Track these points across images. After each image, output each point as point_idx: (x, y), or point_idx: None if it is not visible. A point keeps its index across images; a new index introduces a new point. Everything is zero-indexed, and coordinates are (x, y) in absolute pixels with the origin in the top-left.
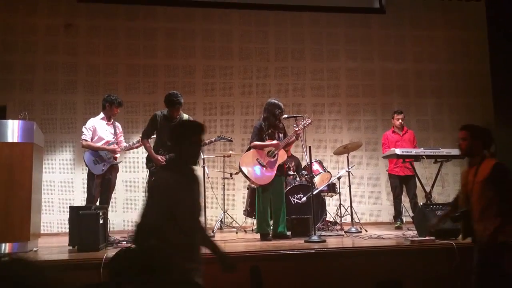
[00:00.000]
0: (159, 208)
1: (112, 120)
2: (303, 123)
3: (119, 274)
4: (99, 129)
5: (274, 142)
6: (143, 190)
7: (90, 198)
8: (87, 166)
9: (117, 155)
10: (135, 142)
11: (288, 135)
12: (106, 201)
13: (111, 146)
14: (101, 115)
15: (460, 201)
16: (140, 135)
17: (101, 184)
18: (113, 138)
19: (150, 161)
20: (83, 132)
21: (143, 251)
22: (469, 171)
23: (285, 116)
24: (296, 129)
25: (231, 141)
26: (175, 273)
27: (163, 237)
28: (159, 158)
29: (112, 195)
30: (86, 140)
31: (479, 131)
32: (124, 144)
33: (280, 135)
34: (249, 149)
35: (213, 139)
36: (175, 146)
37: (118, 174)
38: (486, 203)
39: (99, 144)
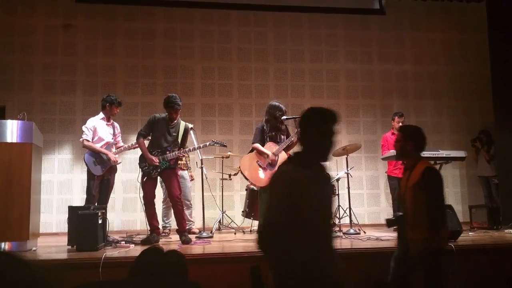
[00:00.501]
0: (279, 206)
1: (111, 121)
2: None
3: (140, 271)
4: (99, 129)
5: (270, 153)
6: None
7: (90, 199)
8: (87, 166)
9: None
10: (134, 143)
11: (289, 137)
12: (104, 201)
13: (111, 154)
14: (101, 115)
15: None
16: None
17: (100, 185)
18: (112, 138)
19: (143, 161)
20: (83, 132)
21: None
22: (404, 174)
23: (285, 117)
24: (296, 130)
25: (224, 146)
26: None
27: (285, 241)
28: (153, 158)
29: (111, 195)
30: (87, 140)
31: (411, 132)
32: (122, 144)
33: (283, 137)
34: (251, 150)
35: (207, 143)
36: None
37: (116, 175)
38: (417, 209)
39: (99, 145)
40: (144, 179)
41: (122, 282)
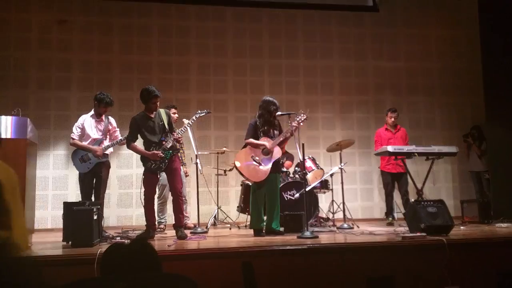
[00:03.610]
0: None
1: (103, 117)
2: (298, 118)
3: (111, 270)
4: (87, 126)
5: (267, 142)
6: (137, 187)
7: (83, 197)
8: (74, 165)
9: (108, 152)
10: (122, 139)
11: (283, 132)
12: (98, 197)
13: (94, 148)
14: (92, 111)
15: None
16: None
17: (95, 181)
18: (101, 135)
19: (146, 160)
20: (72, 130)
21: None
22: None
23: (279, 113)
24: (291, 125)
25: (209, 112)
26: None
27: None
28: (155, 152)
29: (107, 191)
30: (73, 139)
31: None
32: (120, 138)
33: (275, 132)
34: (245, 146)
35: (193, 118)
36: None
37: (112, 170)
38: None
39: (85, 143)
40: (147, 176)
41: (114, 277)
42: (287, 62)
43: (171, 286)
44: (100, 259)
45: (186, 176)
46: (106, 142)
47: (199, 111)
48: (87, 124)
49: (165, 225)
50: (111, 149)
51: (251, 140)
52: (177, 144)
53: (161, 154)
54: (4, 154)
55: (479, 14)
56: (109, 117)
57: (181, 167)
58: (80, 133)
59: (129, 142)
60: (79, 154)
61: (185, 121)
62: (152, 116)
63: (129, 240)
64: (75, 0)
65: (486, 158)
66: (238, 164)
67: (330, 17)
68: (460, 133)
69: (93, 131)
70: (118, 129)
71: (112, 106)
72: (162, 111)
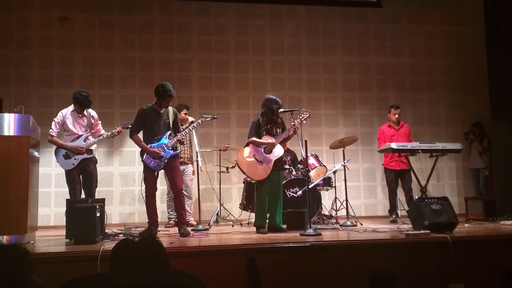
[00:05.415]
0: None
1: (84, 111)
2: (300, 117)
3: (120, 265)
4: (69, 122)
5: (270, 141)
6: (140, 184)
7: (71, 195)
8: (57, 162)
9: (93, 148)
10: (114, 132)
11: (286, 130)
12: (90, 194)
13: (75, 145)
14: (72, 107)
15: None
16: (121, 126)
17: (82, 178)
18: (85, 131)
19: (147, 157)
20: (51, 126)
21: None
22: None
23: (282, 110)
24: (293, 123)
25: (215, 118)
26: None
27: None
28: (156, 151)
29: (109, 188)
30: (53, 136)
31: None
32: (102, 132)
33: (278, 130)
34: (247, 144)
35: (199, 121)
36: None
37: (114, 168)
38: None
39: (71, 138)
40: (147, 173)
41: (118, 273)
42: (290, 59)
43: (176, 283)
44: (106, 255)
45: (193, 174)
46: (91, 138)
47: (205, 116)
48: (69, 120)
49: (174, 221)
50: (95, 145)
51: (254, 139)
52: (179, 145)
53: (161, 153)
54: (7, 152)
55: (484, 9)
56: (90, 110)
57: (190, 164)
58: (59, 129)
59: (133, 132)
60: (62, 151)
61: (190, 118)
62: (161, 112)
63: (138, 237)
64: None
65: (487, 155)
66: (240, 162)
67: (333, 13)
68: (464, 130)
69: (77, 128)
70: (100, 122)
71: (89, 107)
72: (170, 110)
